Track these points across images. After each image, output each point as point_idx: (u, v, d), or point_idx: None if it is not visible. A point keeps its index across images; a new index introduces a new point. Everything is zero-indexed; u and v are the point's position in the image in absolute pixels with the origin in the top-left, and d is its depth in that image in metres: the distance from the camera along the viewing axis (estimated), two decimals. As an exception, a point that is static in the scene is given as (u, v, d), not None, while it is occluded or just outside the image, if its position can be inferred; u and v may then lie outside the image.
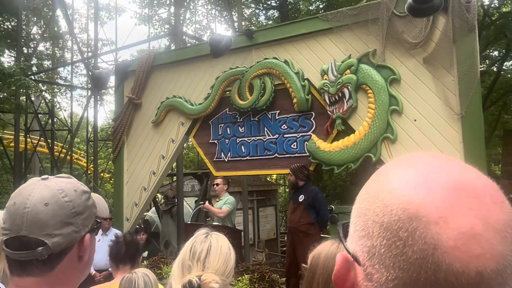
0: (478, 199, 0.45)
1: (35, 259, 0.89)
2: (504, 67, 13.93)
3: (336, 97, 5.04)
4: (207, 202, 6.69)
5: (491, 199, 0.45)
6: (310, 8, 16.17)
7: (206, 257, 1.57)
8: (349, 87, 4.94)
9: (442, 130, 4.46)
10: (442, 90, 4.46)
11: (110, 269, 3.05)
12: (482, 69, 12.72)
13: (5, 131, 15.25)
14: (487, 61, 14.40)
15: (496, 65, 14.25)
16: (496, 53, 14.75)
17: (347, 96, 4.96)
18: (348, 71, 4.97)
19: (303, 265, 1.72)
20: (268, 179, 16.93)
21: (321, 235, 5.60)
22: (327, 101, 5.13)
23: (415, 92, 4.64)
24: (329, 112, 5.15)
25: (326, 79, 5.14)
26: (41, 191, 0.93)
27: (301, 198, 5.45)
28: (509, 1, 13.79)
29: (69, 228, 0.93)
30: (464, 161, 0.51)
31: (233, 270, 1.62)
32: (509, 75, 13.68)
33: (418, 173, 0.48)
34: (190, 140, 6.80)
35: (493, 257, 0.42)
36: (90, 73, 8.12)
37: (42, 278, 0.91)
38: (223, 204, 6.22)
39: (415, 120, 4.62)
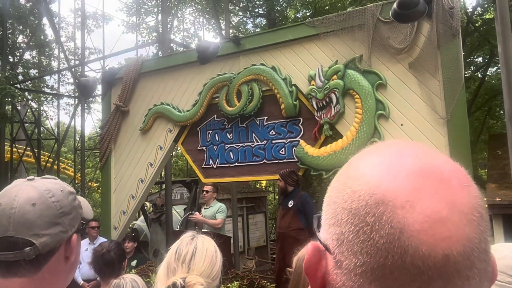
0: (445, 183, 0.44)
1: (22, 260, 0.88)
2: (488, 73, 14.17)
3: (324, 103, 5.08)
4: (196, 213, 6.41)
5: (458, 183, 0.45)
6: (298, 15, 16.30)
7: (191, 259, 1.55)
8: (336, 92, 4.98)
9: (428, 134, 4.51)
10: (428, 95, 4.52)
11: (98, 278, 3.03)
12: (467, 75, 12.91)
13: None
14: (471, 67, 14.61)
15: (480, 71, 14.47)
16: (480, 59, 14.98)
17: (334, 101, 5.00)
18: (335, 76, 5.01)
19: (288, 269, 1.71)
20: (258, 186, 16.92)
21: (311, 240, 5.58)
22: (315, 106, 5.16)
23: (401, 96, 4.69)
24: (316, 118, 5.18)
25: (313, 84, 5.17)
26: (28, 191, 0.93)
27: (291, 203, 5.44)
28: (491, 8, 14.03)
29: (57, 228, 0.93)
30: None
31: (219, 273, 1.60)
32: (493, 81, 13.89)
33: (385, 159, 0.49)
34: (178, 147, 6.77)
35: (459, 240, 0.42)
36: (77, 81, 8.06)
37: (29, 279, 0.91)
38: (216, 212, 6.13)
39: (401, 125, 4.67)
